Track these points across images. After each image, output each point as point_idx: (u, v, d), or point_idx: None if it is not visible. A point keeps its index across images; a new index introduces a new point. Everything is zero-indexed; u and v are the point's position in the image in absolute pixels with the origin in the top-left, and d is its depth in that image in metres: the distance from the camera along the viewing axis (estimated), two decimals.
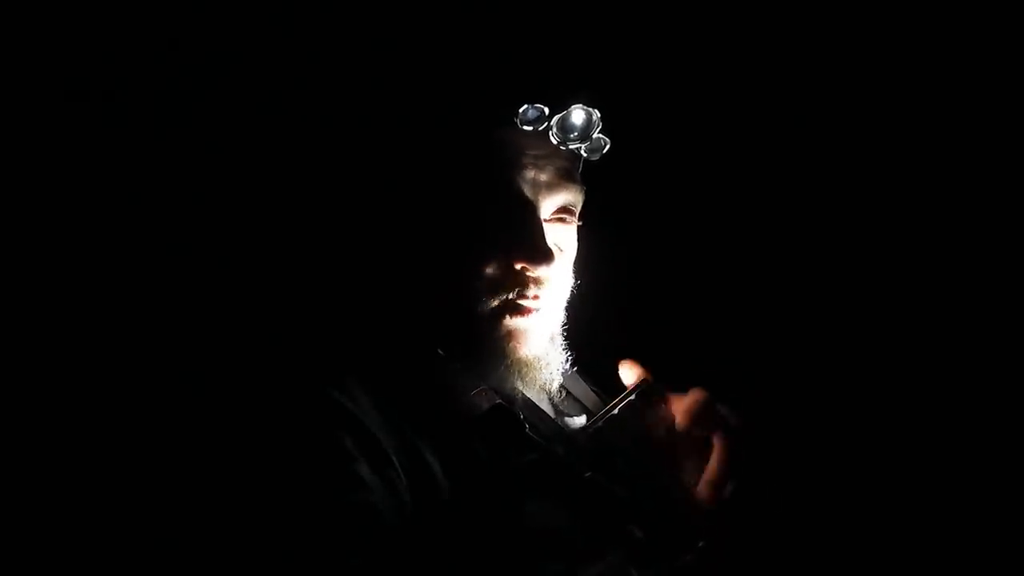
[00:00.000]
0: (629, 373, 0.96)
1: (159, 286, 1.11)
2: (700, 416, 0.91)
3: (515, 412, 0.91)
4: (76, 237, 1.10)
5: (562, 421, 1.02)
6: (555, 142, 0.94)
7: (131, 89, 1.09)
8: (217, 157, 1.10)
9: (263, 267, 1.09)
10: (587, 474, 0.87)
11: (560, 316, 1.01)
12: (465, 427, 0.89)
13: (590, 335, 1.03)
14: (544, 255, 0.93)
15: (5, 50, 1.05)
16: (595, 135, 0.96)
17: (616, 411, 0.92)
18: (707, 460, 0.89)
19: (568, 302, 1.02)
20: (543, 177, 0.94)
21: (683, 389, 1.15)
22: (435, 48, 0.94)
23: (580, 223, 1.01)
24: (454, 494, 0.86)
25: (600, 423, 0.93)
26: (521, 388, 0.97)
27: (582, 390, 1.08)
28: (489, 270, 0.93)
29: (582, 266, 1.02)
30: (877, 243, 1.32)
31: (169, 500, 0.87)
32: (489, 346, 0.95)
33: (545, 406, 1.02)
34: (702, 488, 0.88)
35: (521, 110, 0.91)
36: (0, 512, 1.02)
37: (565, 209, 0.97)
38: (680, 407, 0.92)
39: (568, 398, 1.07)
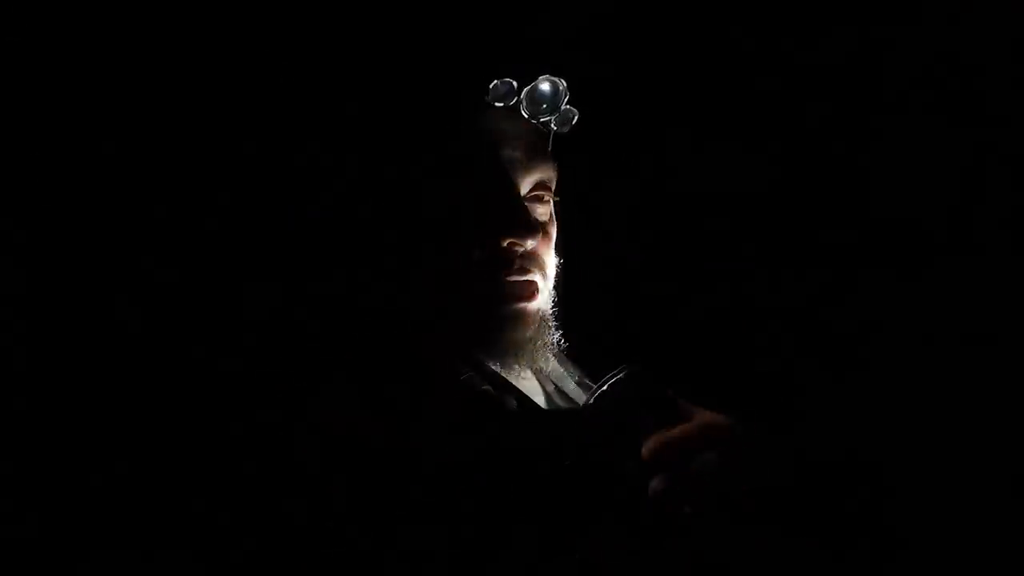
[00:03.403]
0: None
1: (151, 285, 1.09)
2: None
3: (500, 397, 0.90)
4: (62, 234, 1.08)
5: (551, 411, 1.01)
6: (526, 116, 0.97)
7: (124, 90, 1.09)
8: (195, 148, 1.10)
9: (248, 258, 1.08)
10: (567, 462, 0.87)
11: (549, 295, 1.02)
12: (451, 413, 0.89)
13: (579, 323, 1.03)
14: (530, 227, 0.94)
15: (5, 50, 1.05)
16: (564, 106, 0.98)
17: (591, 401, 0.92)
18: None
19: (555, 280, 1.02)
20: (517, 154, 0.96)
21: (677, 381, 1.15)
22: (403, 33, 0.96)
23: (557, 199, 1.03)
24: (440, 480, 0.84)
25: (583, 410, 0.92)
26: (516, 371, 0.98)
27: (571, 385, 1.07)
28: (479, 250, 0.94)
29: (563, 244, 1.04)
30: (879, 239, 1.35)
31: (164, 495, 0.86)
32: (486, 329, 0.95)
33: (538, 394, 1.02)
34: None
35: (491, 86, 0.94)
36: None
37: (541, 185, 0.99)
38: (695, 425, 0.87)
39: (558, 392, 1.06)
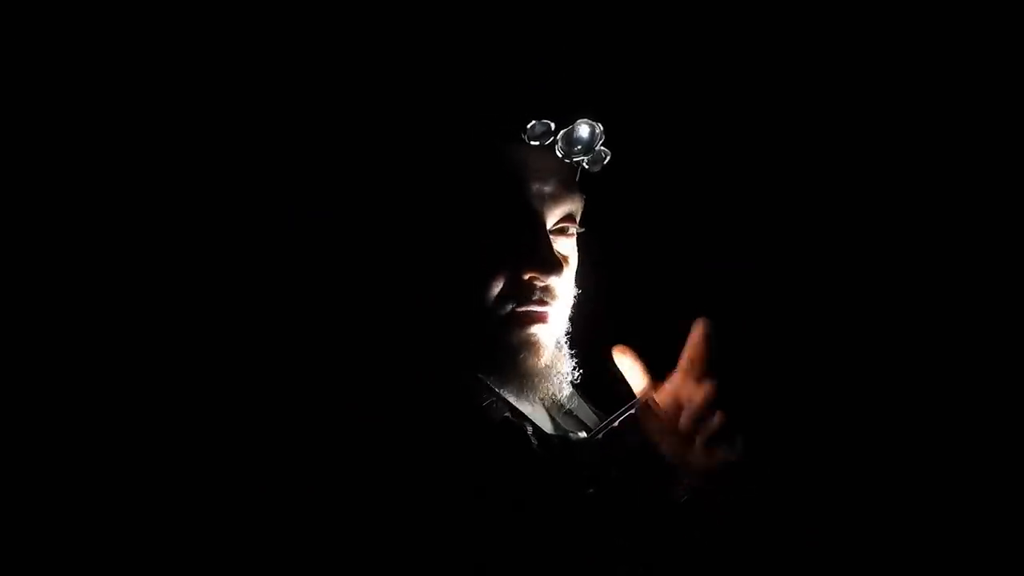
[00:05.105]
0: (622, 359, 0.99)
1: (170, 296, 1.08)
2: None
3: (522, 426, 0.93)
4: (81, 240, 1.07)
5: (563, 436, 1.03)
6: (560, 155, 0.96)
7: (131, 89, 1.06)
8: (231, 172, 1.08)
9: (272, 274, 1.08)
10: (590, 491, 0.90)
11: (564, 325, 1.03)
12: (476, 439, 0.91)
13: (589, 353, 1.04)
14: (553, 265, 0.95)
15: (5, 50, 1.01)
16: (598, 147, 0.98)
17: (616, 424, 0.96)
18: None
19: (572, 311, 1.04)
20: (547, 189, 0.96)
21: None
22: (442, 66, 0.94)
23: (582, 230, 1.03)
24: (461, 505, 0.86)
25: (600, 436, 0.96)
26: (528, 400, 0.99)
27: (582, 409, 1.10)
28: (499, 282, 0.94)
29: (583, 275, 1.05)
30: (878, 246, 1.38)
31: (176, 502, 0.88)
32: (500, 356, 0.97)
33: (546, 421, 1.05)
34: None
35: (529, 126, 0.92)
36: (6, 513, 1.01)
37: (567, 218, 0.99)
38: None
39: (568, 416, 1.09)
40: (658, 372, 0.99)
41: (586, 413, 1.10)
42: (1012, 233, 1.42)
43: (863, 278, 1.41)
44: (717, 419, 0.93)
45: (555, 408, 1.08)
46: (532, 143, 0.94)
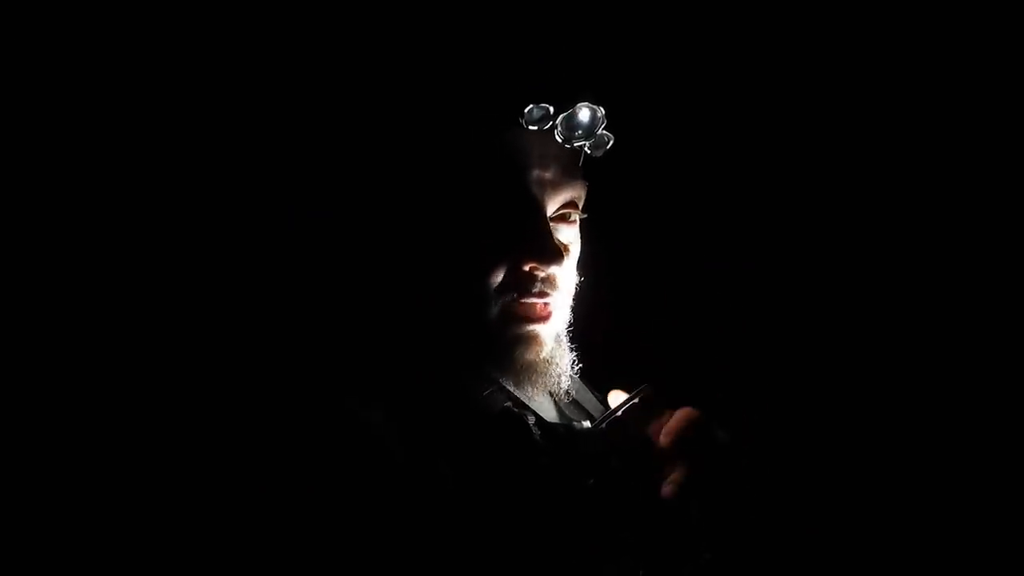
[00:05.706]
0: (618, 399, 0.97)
1: (169, 296, 1.08)
2: (681, 437, 0.91)
3: (523, 416, 0.91)
4: (81, 239, 1.07)
5: (567, 425, 1.02)
6: (560, 140, 0.92)
7: (131, 90, 1.05)
8: (227, 165, 1.07)
9: (270, 274, 1.07)
10: (591, 481, 0.89)
11: (566, 315, 1.01)
12: (475, 430, 0.90)
13: (593, 340, 1.02)
14: (553, 254, 0.93)
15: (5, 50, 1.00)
16: (599, 131, 0.94)
17: (619, 414, 0.94)
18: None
19: (573, 300, 1.01)
20: (548, 175, 0.93)
21: (683, 393, 1.15)
22: (438, 51, 0.91)
23: (584, 215, 1.00)
24: (464, 500, 0.85)
25: (602, 426, 0.94)
26: (529, 391, 0.98)
27: (586, 396, 1.08)
28: (499, 272, 0.92)
29: (585, 263, 1.02)
30: (880, 243, 1.35)
31: (170, 504, 0.88)
32: (500, 349, 0.95)
33: (551, 409, 1.04)
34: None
35: (526, 110, 0.89)
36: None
37: (570, 204, 0.96)
38: (666, 425, 0.92)
39: (573, 404, 1.07)
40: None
41: (591, 402, 1.09)
42: (1012, 233, 1.39)
43: (863, 278, 1.38)
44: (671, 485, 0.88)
45: (560, 396, 1.06)
46: (531, 128, 0.90)
